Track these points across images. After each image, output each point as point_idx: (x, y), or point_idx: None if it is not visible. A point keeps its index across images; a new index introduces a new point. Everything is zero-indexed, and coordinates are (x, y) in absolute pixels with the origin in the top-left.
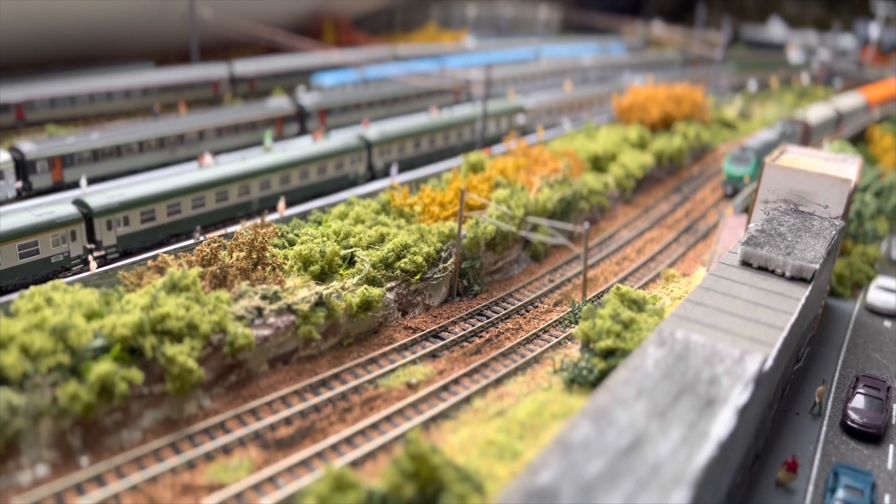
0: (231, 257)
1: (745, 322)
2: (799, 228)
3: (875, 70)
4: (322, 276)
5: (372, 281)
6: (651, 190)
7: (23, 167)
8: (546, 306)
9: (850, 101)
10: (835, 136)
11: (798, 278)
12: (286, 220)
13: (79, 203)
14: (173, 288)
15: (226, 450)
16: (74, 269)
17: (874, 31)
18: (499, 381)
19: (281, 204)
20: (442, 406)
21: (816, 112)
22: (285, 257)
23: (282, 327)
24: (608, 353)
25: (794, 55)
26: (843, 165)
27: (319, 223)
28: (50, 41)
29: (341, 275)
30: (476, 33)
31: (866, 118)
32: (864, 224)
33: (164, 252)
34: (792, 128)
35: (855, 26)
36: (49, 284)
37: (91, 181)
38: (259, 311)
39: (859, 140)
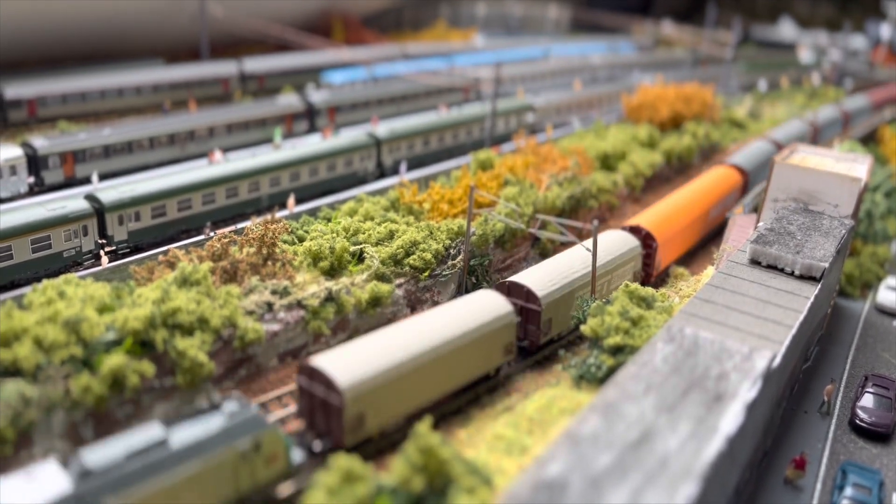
0: (241, 253)
1: (755, 320)
2: (808, 227)
3: (886, 70)
4: (332, 272)
5: (381, 277)
6: (660, 188)
7: (35, 163)
8: None
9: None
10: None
11: (807, 277)
12: (296, 216)
13: (90, 198)
14: (184, 282)
15: None
16: (86, 263)
17: (885, 31)
18: (507, 377)
19: (291, 200)
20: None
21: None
22: (295, 253)
23: (291, 322)
24: (617, 350)
25: (805, 55)
26: (854, 165)
27: (329, 220)
28: (62, 38)
29: (351, 271)
30: (485, 32)
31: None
32: (875, 224)
33: (175, 247)
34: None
35: (866, 26)
36: (61, 278)
37: (102, 177)
38: (269, 305)
39: (870, 140)
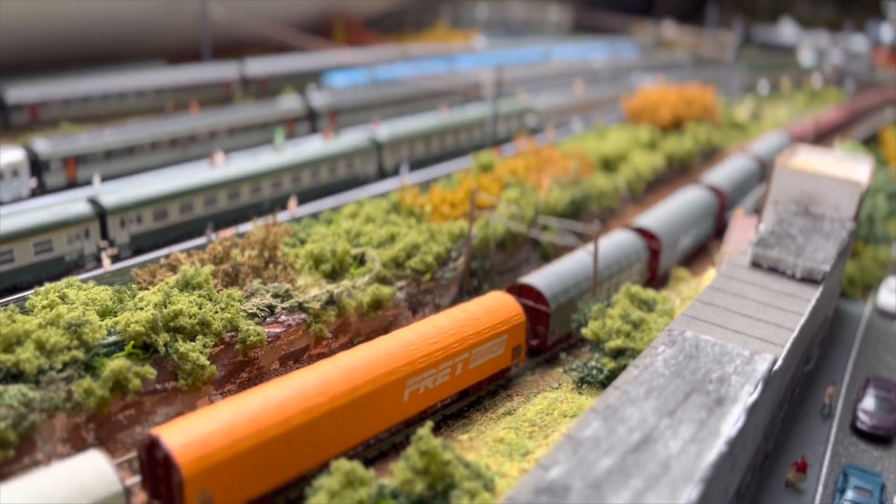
0: (243, 256)
1: (756, 323)
2: (809, 230)
3: (886, 72)
4: (333, 275)
5: (382, 280)
6: (661, 190)
7: (37, 166)
8: None
9: None
10: None
11: (808, 280)
12: (297, 219)
13: (92, 201)
14: (186, 286)
15: None
16: (88, 266)
17: (886, 32)
18: (508, 381)
19: (292, 203)
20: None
21: None
22: (296, 256)
23: (293, 325)
24: (618, 353)
25: (806, 57)
26: (855, 167)
27: (330, 222)
28: (63, 40)
29: (352, 274)
30: (486, 34)
31: None
32: (876, 226)
33: (177, 250)
34: None
35: (867, 27)
36: (63, 281)
37: (104, 180)
38: (271, 308)
39: (871, 142)
